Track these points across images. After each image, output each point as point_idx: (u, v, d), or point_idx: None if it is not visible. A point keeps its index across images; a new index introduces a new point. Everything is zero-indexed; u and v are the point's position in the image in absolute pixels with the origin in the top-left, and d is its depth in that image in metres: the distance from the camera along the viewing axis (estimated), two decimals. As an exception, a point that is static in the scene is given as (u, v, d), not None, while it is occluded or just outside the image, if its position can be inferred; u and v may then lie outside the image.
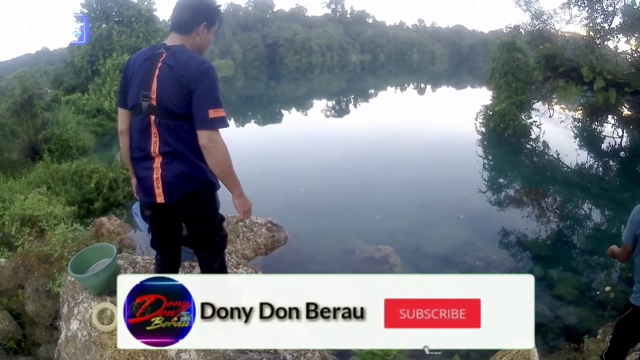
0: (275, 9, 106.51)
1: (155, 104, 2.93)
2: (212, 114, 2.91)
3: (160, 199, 3.05)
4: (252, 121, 35.00)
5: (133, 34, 42.73)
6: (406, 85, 49.47)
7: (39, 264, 6.76)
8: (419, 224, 11.86)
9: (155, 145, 2.98)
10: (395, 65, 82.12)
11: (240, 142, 26.11)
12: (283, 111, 37.35)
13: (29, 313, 5.97)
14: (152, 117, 2.95)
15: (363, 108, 36.89)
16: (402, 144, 21.04)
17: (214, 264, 3.54)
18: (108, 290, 4.18)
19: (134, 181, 3.32)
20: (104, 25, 44.44)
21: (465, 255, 10.12)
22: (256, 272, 4.73)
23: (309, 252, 10.17)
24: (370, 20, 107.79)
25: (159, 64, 2.93)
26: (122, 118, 3.13)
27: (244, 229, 5.16)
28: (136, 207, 4.36)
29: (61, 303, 4.68)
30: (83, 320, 4.02)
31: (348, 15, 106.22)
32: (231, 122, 34.83)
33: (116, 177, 14.62)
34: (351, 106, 38.46)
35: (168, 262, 3.64)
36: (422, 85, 50.34)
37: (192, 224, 3.38)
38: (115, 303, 3.94)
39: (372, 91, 46.92)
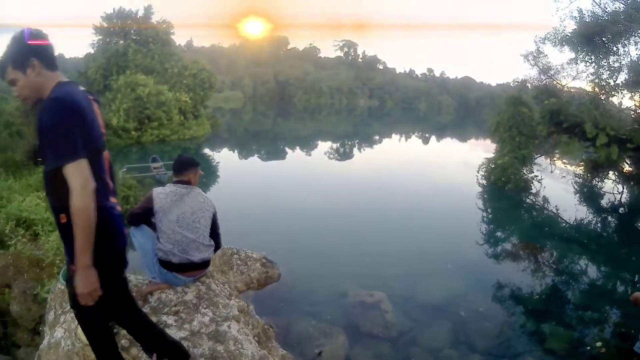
0: (289, 47, 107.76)
1: (105, 139, 2.82)
2: None
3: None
4: (256, 155, 35.24)
5: (149, 54, 43.11)
6: (411, 134, 49.82)
7: (30, 267, 6.74)
8: (414, 272, 11.81)
9: (110, 183, 2.83)
10: (402, 113, 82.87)
11: (242, 174, 26.26)
12: (287, 149, 37.57)
13: (12, 313, 5.91)
14: (107, 154, 2.82)
15: (366, 153, 37.11)
16: (401, 192, 21.09)
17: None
18: None
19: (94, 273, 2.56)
20: (121, 42, 44.84)
21: (458, 307, 10.03)
22: (247, 306, 4.67)
23: (301, 291, 10.28)
24: (381, 67, 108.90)
25: (93, 101, 2.77)
26: (89, 171, 2.52)
27: (239, 261, 5.14)
28: (135, 229, 4.39)
29: (47, 309, 4.62)
30: (68, 329, 3.96)
31: (360, 60, 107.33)
32: (235, 154, 35.02)
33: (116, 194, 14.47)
34: (355, 150, 38.64)
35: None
36: (427, 134, 50.68)
37: None
38: None
39: (377, 137, 47.21)
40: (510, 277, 11.82)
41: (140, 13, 45.70)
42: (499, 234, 17.08)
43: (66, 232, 2.53)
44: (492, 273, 12.32)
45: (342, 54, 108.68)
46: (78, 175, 2.41)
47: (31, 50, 2.58)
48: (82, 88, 2.71)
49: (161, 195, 4.32)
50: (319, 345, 8.10)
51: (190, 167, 4.53)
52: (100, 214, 2.53)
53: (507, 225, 18.08)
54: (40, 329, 5.52)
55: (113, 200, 2.80)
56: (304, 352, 7.86)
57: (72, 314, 3.81)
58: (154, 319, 3.89)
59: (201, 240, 4.36)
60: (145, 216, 4.38)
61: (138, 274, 4.93)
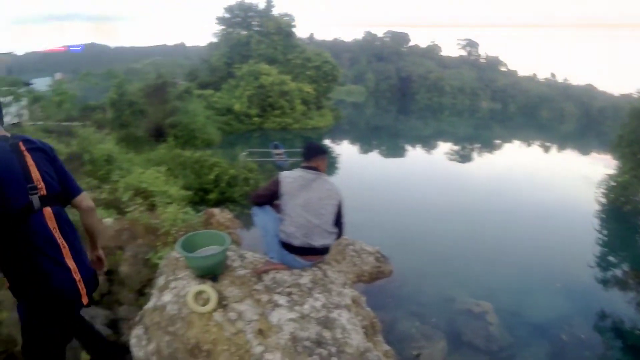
0: (410, 44, 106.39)
1: (45, 192, 2.58)
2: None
3: (85, 299, 2.76)
4: (376, 151, 35.16)
5: (271, 45, 44.20)
6: (531, 142, 47.98)
7: (144, 234, 7.03)
8: (522, 286, 11.42)
9: (61, 243, 2.63)
10: (523, 118, 79.64)
11: (361, 168, 26.41)
12: (408, 147, 37.17)
13: (120, 273, 6.17)
14: (48, 211, 2.58)
15: (485, 158, 36.07)
16: (518, 201, 20.32)
17: None
18: (211, 275, 4.26)
19: None
20: (243, 32, 46.34)
21: (560, 329, 9.50)
22: (360, 297, 4.74)
23: (410, 290, 10.14)
24: (503, 69, 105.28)
25: (25, 152, 2.56)
26: None
27: (353, 253, 5.21)
28: (258, 209, 4.51)
29: (158, 274, 4.77)
30: (177, 295, 4.08)
31: (482, 60, 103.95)
32: (355, 147, 35.11)
33: (236, 175, 15.20)
34: (474, 154, 37.74)
35: None
36: (548, 143, 48.68)
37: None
38: (214, 289, 4.02)
39: (497, 142, 45.86)
40: (616, 307, 11.08)
41: (262, 6, 47.32)
42: (611, 258, 15.99)
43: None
44: (598, 299, 11.61)
45: (464, 53, 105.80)
46: None
47: None
48: (10, 142, 2.56)
49: (288, 179, 4.37)
50: (419, 347, 8.04)
51: (319, 154, 4.59)
52: (35, 283, 2.51)
53: (621, 250, 16.85)
54: (147, 291, 5.72)
55: (69, 264, 2.64)
56: (402, 351, 7.77)
57: (183, 282, 4.18)
58: (266, 297, 4.03)
59: (324, 226, 4.35)
60: (269, 198, 4.46)
61: (255, 252, 4.99)
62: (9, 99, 22.07)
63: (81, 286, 2.65)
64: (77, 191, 2.86)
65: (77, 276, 2.63)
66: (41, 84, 29.35)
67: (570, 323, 9.95)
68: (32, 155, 2.56)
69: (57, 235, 2.58)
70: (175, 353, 3.74)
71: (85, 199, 2.91)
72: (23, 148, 2.55)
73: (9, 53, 42.34)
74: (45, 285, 2.51)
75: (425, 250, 12.93)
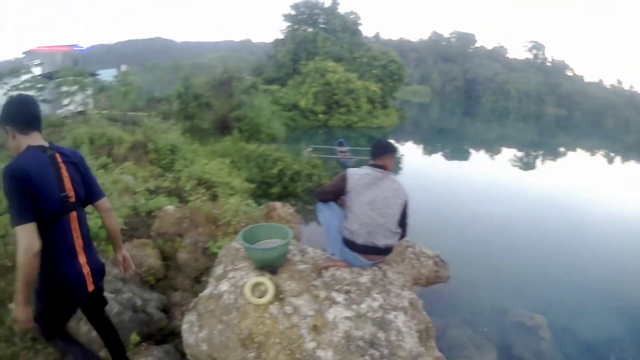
0: (476, 45, 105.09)
1: (74, 200, 3.00)
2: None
3: (90, 287, 3.13)
4: (440, 153, 34.49)
5: (337, 43, 44.33)
6: (596, 151, 46.40)
7: (205, 223, 7.09)
8: (579, 303, 10.90)
9: (78, 242, 3.05)
10: (588, 126, 77.05)
11: (423, 170, 26.11)
12: (471, 151, 36.50)
13: (178, 260, 6.26)
14: (74, 214, 3.01)
15: (549, 166, 34.98)
16: (581, 214, 19.60)
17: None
18: (270, 268, 4.25)
19: (28, 310, 2.88)
20: (309, 29, 46.58)
21: (611, 351, 8.93)
22: (418, 300, 4.60)
23: (465, 298, 9.85)
24: (569, 73, 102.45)
25: (61, 164, 2.96)
26: (35, 234, 2.72)
27: (412, 255, 5.07)
28: (323, 205, 4.47)
29: (217, 263, 4.80)
30: (235, 285, 4.10)
31: (548, 63, 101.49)
32: (419, 149, 34.74)
33: (300, 171, 15.21)
34: (538, 161, 36.67)
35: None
36: (612, 154, 46.98)
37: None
38: (273, 281, 4.01)
39: (562, 150, 44.60)
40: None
41: (327, 4, 47.40)
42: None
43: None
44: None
45: (531, 56, 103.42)
46: (22, 238, 2.63)
47: (5, 118, 2.94)
48: (49, 153, 2.93)
49: (356, 176, 4.28)
50: (468, 356, 7.84)
51: (387, 152, 4.48)
52: (51, 274, 2.92)
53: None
54: (203, 279, 5.82)
55: (81, 259, 3.05)
56: (452, 359, 7.61)
57: (242, 272, 4.25)
58: (323, 293, 4.00)
59: (389, 226, 4.26)
60: (335, 194, 4.41)
61: (315, 248, 4.95)
62: (74, 88, 22.90)
63: (89, 278, 3.07)
64: (100, 195, 3.32)
65: (85, 269, 3.05)
66: (107, 75, 30.30)
67: (623, 346, 9.48)
68: (66, 167, 2.98)
69: (77, 235, 3.02)
70: (226, 342, 3.75)
71: (106, 202, 3.36)
72: (59, 160, 2.95)
73: (75, 45, 43.77)
74: (59, 278, 2.95)
75: (483, 257, 12.60)
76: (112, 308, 4.79)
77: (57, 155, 2.94)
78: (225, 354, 3.75)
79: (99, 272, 3.24)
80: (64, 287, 2.98)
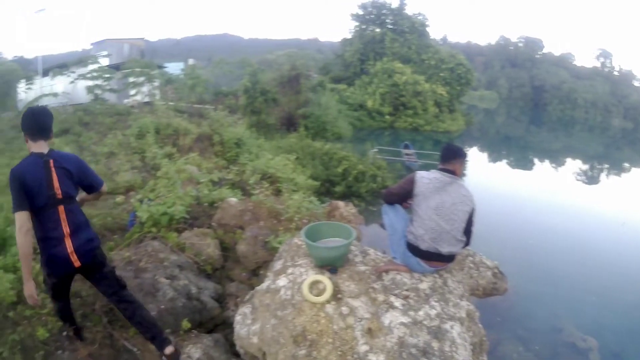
0: (544, 51, 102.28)
1: (61, 196, 3.73)
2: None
3: (76, 264, 3.83)
4: (504, 161, 33.68)
5: (405, 44, 43.97)
6: (662, 169, 44.38)
7: (267, 217, 7.13)
8: (632, 327, 10.63)
9: (65, 229, 3.76)
10: (654, 139, 73.69)
11: (487, 177, 25.61)
12: (536, 160, 35.60)
13: (237, 251, 6.30)
14: (62, 207, 3.76)
15: (614, 181, 33.73)
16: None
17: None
18: (330, 267, 4.22)
19: (30, 285, 3.71)
20: (377, 30, 46.41)
21: None
22: (475, 311, 4.48)
23: (519, 313, 9.61)
24: (636, 83, 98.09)
25: (52, 168, 3.72)
26: (27, 218, 3.56)
27: (471, 264, 4.92)
28: (388, 207, 4.44)
29: (276, 258, 4.80)
30: (293, 281, 4.14)
31: (615, 73, 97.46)
32: (484, 155, 34.09)
33: (364, 171, 15.09)
34: (603, 176, 35.42)
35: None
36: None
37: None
38: (331, 280, 3.98)
39: (626, 165, 42.96)
40: None
41: (395, 4, 46.99)
42: None
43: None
44: None
45: (598, 64, 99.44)
46: (17, 221, 3.50)
47: (22, 126, 3.82)
48: (44, 159, 3.70)
49: (424, 179, 4.19)
50: None
51: (458, 157, 4.38)
52: (42, 243, 3.75)
53: None
54: (261, 272, 5.86)
55: (67, 241, 3.76)
56: None
57: (301, 269, 4.32)
58: (382, 296, 3.97)
59: (454, 233, 4.17)
60: (402, 197, 4.36)
61: (377, 250, 4.88)
62: (141, 79, 23.58)
63: (73, 256, 3.76)
64: (99, 184, 4.12)
65: (70, 249, 3.75)
66: (174, 68, 31.02)
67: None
68: (56, 171, 3.72)
69: (64, 224, 3.76)
70: (277, 337, 3.79)
71: (104, 188, 4.21)
72: (52, 165, 3.71)
73: (142, 38, 45.24)
74: (48, 254, 3.77)
75: (541, 272, 12.20)
76: (167, 293, 4.95)
77: (51, 161, 3.72)
78: (276, 349, 3.77)
79: (87, 252, 3.88)
80: (51, 260, 3.79)
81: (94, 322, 4.84)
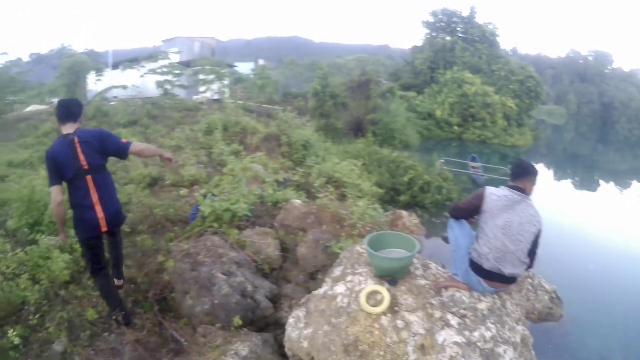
0: (613, 65, 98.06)
1: (87, 167, 4.30)
2: (123, 140, 4.59)
3: (104, 229, 4.44)
4: (569, 179, 32.68)
5: (475, 53, 43.31)
6: None
7: (330, 221, 7.08)
8: None
9: (94, 196, 4.35)
10: None
11: (550, 196, 24.96)
12: (601, 181, 34.44)
13: (297, 253, 6.29)
14: (89, 177, 4.32)
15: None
16: None
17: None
18: (390, 278, 4.17)
19: (63, 235, 4.64)
20: (447, 38, 46.04)
21: None
22: (529, 337, 4.33)
23: (572, 342, 9.15)
24: None
25: (77, 144, 4.27)
26: (60, 191, 4.28)
27: (529, 287, 4.76)
28: (455, 222, 4.37)
29: (336, 264, 4.78)
30: (351, 289, 4.10)
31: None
32: (549, 173, 33.18)
33: (430, 182, 14.90)
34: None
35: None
36: None
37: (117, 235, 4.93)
38: (390, 292, 3.93)
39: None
40: None
41: (465, 13, 46.38)
42: None
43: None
44: None
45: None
46: (52, 193, 4.23)
47: (54, 113, 4.57)
48: (69, 138, 4.29)
49: (494, 196, 4.08)
50: None
51: (529, 175, 4.22)
52: (75, 209, 4.38)
53: None
54: (319, 277, 5.80)
55: (97, 207, 4.34)
56: None
57: (361, 277, 4.32)
58: (439, 313, 3.91)
59: (519, 254, 4.02)
60: (469, 212, 4.28)
61: (440, 265, 4.83)
62: (211, 77, 23.84)
63: (102, 222, 4.36)
64: (125, 147, 4.51)
65: (100, 215, 4.35)
66: (244, 67, 31.43)
67: None
68: (80, 145, 4.27)
69: (93, 192, 4.33)
70: (329, 344, 3.78)
71: (134, 147, 4.59)
72: (76, 141, 4.27)
73: (213, 37, 46.20)
74: (79, 218, 4.38)
75: (599, 301, 11.69)
76: (222, 289, 5.03)
77: (75, 138, 4.28)
78: (325, 356, 3.76)
79: (114, 219, 4.54)
80: (82, 223, 4.39)
81: (145, 309, 5.05)
